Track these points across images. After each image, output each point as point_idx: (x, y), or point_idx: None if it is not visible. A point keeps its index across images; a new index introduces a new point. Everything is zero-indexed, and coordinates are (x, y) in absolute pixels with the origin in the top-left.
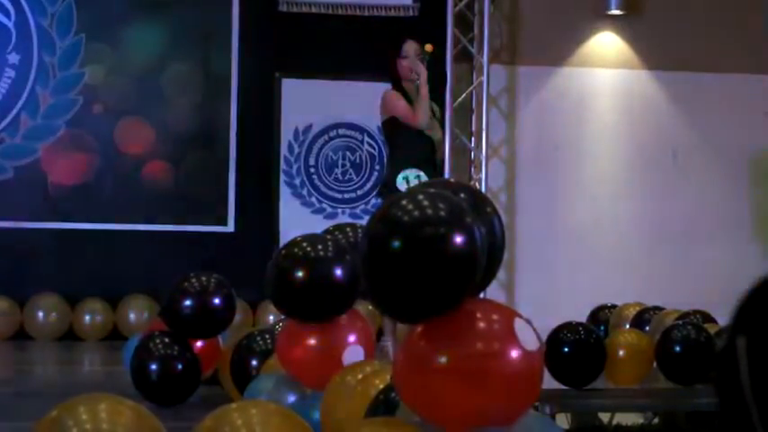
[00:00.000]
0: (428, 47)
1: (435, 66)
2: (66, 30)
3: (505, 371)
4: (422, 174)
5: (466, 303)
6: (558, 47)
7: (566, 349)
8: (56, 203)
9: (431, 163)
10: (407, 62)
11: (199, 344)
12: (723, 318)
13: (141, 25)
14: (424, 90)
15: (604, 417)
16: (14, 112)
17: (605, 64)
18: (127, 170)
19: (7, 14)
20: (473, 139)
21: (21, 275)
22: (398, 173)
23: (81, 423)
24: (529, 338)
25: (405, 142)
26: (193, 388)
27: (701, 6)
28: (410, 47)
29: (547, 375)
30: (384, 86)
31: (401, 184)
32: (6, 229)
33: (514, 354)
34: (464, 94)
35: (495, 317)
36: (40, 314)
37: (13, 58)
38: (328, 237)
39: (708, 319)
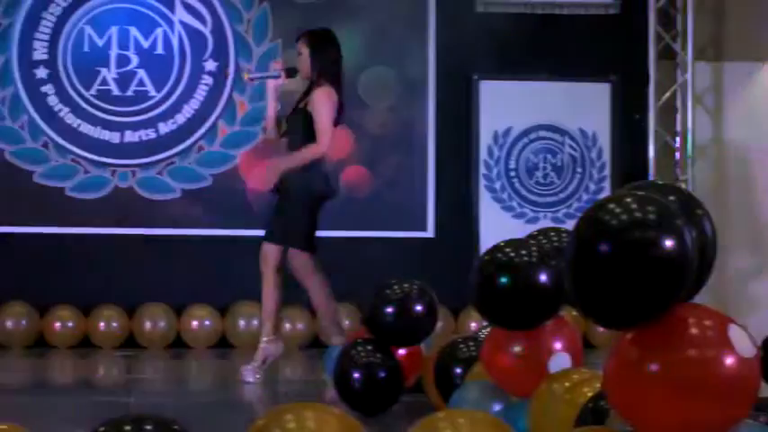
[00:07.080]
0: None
1: (636, 64)
2: (262, 35)
3: (720, 379)
4: None
5: (677, 309)
6: (767, 41)
7: None
8: (254, 211)
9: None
10: None
11: (401, 351)
12: None
13: (336, 29)
14: None
15: None
16: (212, 119)
17: None
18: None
19: (204, 22)
20: (678, 138)
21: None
22: None
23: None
24: (745, 345)
25: None
26: (396, 396)
27: None
28: None
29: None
30: (585, 87)
31: None
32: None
33: (729, 361)
34: (668, 93)
35: (708, 323)
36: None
37: (210, 65)
38: (532, 242)
39: None
